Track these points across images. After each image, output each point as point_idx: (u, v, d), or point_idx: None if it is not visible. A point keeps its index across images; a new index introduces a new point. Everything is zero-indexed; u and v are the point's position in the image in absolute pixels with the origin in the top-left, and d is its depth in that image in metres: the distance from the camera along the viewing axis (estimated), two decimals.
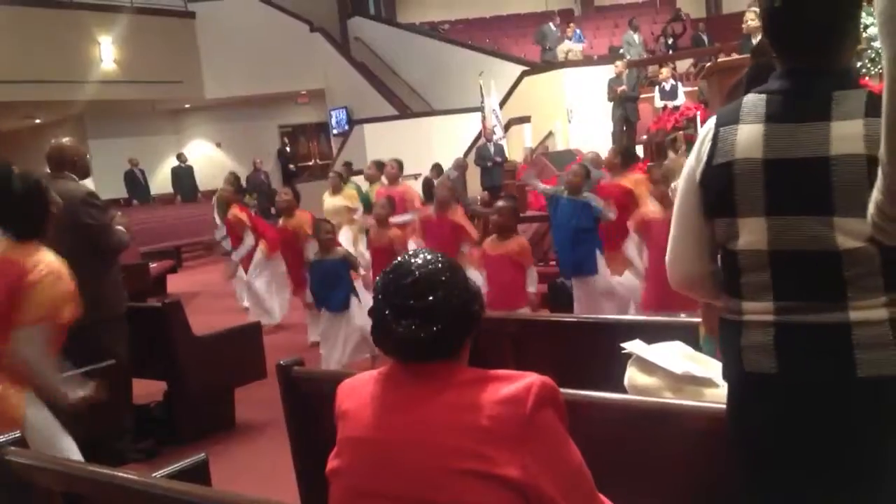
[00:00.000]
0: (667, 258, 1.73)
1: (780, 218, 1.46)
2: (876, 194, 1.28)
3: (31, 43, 14.35)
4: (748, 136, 1.50)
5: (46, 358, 2.61)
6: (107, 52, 16.14)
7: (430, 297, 1.39)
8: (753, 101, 1.53)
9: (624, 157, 6.38)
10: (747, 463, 1.56)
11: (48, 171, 4.13)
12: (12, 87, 14.17)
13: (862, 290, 1.41)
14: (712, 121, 1.61)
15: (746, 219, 1.50)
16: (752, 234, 1.50)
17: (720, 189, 1.53)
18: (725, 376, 1.61)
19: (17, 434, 1.97)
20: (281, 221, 6.77)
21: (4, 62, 13.96)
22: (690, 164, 1.63)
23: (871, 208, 1.30)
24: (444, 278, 1.42)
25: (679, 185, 1.68)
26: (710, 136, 1.57)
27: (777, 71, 1.54)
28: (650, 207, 4.65)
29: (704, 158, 1.57)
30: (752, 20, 8.11)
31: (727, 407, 1.61)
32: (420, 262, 1.44)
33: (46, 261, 2.66)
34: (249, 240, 7.41)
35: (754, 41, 8.02)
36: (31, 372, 2.59)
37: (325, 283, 5.45)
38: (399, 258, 1.49)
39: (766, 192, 1.47)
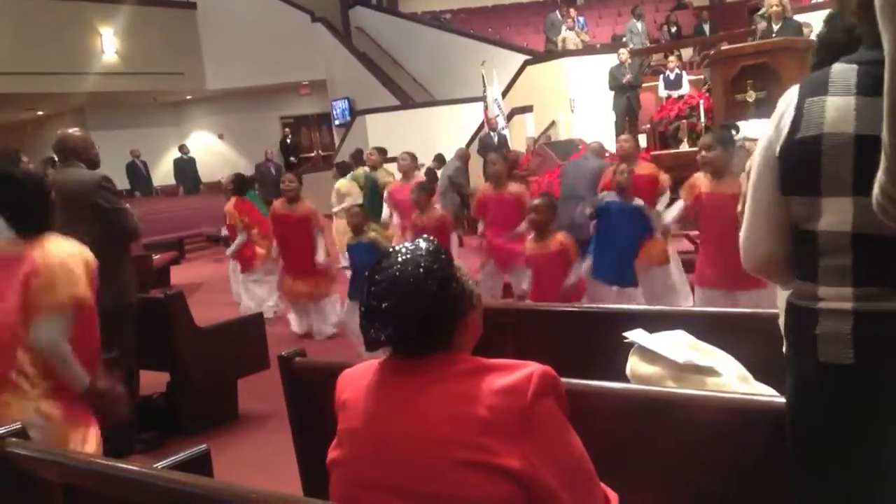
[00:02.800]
0: (741, 239, 1.62)
1: (870, 199, 1.32)
2: (880, 175, 1.20)
3: (32, 34, 14.35)
4: (838, 108, 1.39)
5: (65, 346, 2.53)
6: (108, 43, 16.13)
7: (389, 302, 1.38)
8: (843, 70, 1.42)
9: (637, 144, 6.25)
10: (808, 456, 1.48)
11: (57, 160, 4.13)
12: (13, 78, 14.17)
13: None
14: (794, 90, 1.49)
15: (831, 198, 1.40)
16: (836, 214, 1.40)
17: (804, 164, 1.43)
18: (793, 366, 1.51)
19: (18, 426, 1.97)
20: (279, 205, 6.73)
21: (5, 54, 13.96)
22: (768, 137, 1.52)
23: (875, 189, 1.22)
24: (412, 280, 1.38)
25: (754, 159, 1.57)
26: (794, 106, 1.46)
27: (868, 41, 1.41)
28: (701, 180, 4.54)
29: (786, 130, 1.46)
30: (775, 6, 8.00)
31: (791, 398, 1.52)
32: (400, 259, 1.42)
33: (57, 250, 2.60)
34: (241, 237, 7.37)
35: (776, 27, 7.92)
36: (52, 361, 2.52)
37: (360, 268, 5.52)
38: (390, 250, 1.48)
39: (856, 169, 1.36)
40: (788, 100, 1.50)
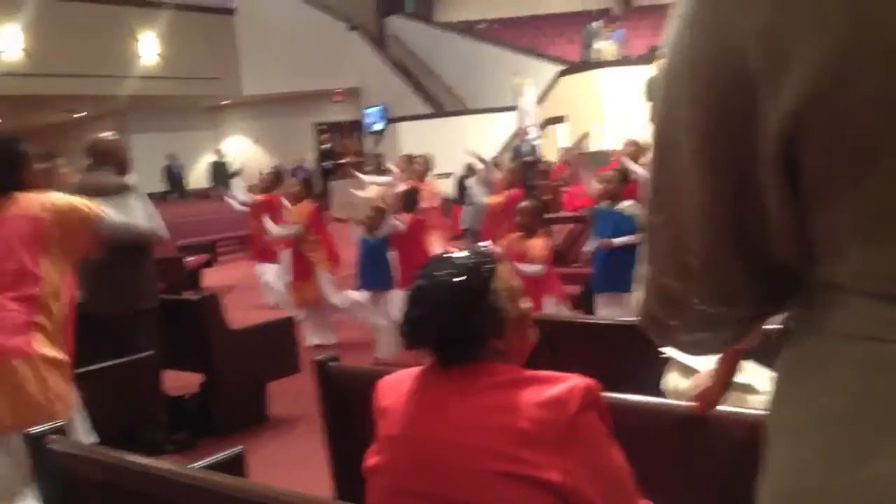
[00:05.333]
0: None
1: None
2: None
3: (74, 37, 14.64)
4: None
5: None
6: (148, 47, 16.41)
7: (421, 309, 1.40)
8: None
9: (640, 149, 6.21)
10: None
11: (87, 163, 4.19)
12: (55, 80, 14.47)
13: None
14: None
15: None
16: None
17: None
18: None
19: (59, 423, 2.00)
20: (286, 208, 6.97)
21: (48, 56, 14.26)
22: None
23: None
24: (445, 289, 1.40)
25: None
26: None
27: None
28: None
29: None
30: None
31: None
32: (442, 266, 1.43)
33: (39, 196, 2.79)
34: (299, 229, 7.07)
35: None
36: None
37: (368, 261, 5.77)
38: (438, 256, 1.50)
39: None
40: None
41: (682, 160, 0.70)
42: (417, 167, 8.29)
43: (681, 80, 0.68)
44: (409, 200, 6.43)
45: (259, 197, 8.24)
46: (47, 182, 3.06)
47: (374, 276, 5.81)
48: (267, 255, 7.87)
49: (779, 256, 0.69)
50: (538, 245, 5.10)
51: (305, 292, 6.54)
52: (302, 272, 6.58)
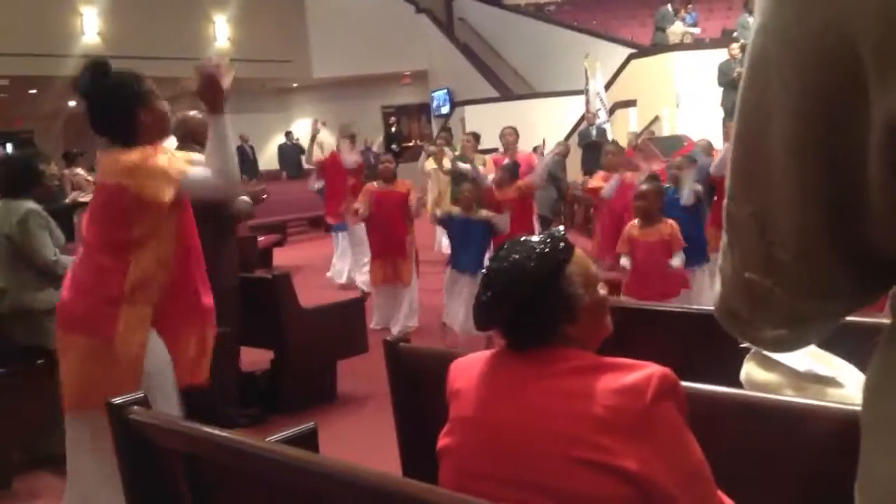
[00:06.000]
0: None
1: None
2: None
3: (149, 20, 15.00)
4: None
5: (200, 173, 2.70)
6: (221, 30, 16.73)
7: (492, 291, 1.41)
8: None
9: None
10: None
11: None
12: (130, 62, 14.78)
13: None
14: None
15: None
16: None
17: None
18: None
19: (140, 394, 2.06)
20: (377, 185, 6.62)
21: (124, 39, 14.67)
22: None
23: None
24: (514, 271, 1.40)
25: None
26: None
27: None
28: None
29: None
30: None
31: None
32: (515, 249, 1.43)
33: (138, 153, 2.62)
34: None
35: None
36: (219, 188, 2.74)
37: (460, 241, 5.60)
38: (514, 239, 1.49)
39: None
40: None
41: (774, 147, 0.66)
42: (509, 139, 8.19)
43: (777, 59, 0.64)
44: (513, 172, 6.32)
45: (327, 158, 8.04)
46: (164, 128, 2.90)
47: (465, 257, 5.53)
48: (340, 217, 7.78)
49: (876, 246, 0.66)
50: (677, 230, 4.68)
51: (402, 271, 6.38)
52: (400, 249, 6.42)
